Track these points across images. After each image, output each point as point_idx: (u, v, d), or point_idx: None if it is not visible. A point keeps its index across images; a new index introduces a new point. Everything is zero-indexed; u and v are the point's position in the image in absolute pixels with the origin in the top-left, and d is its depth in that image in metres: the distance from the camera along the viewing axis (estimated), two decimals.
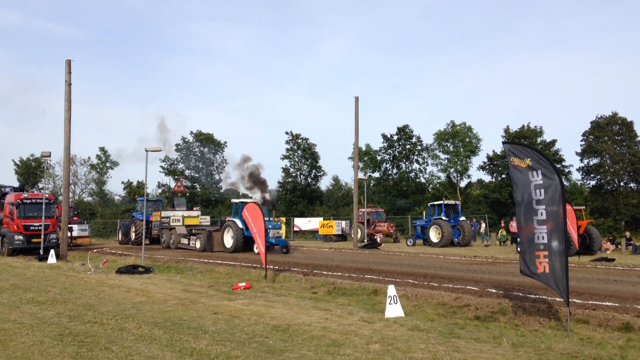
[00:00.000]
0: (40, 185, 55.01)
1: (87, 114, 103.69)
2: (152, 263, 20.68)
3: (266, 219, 26.80)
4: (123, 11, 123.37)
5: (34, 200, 26.93)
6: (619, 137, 45.11)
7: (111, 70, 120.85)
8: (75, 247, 30.84)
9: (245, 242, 25.64)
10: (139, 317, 9.67)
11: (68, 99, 24.03)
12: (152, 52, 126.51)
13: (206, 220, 32.77)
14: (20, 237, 25.81)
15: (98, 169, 60.18)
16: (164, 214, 31.47)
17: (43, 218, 25.21)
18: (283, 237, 29.31)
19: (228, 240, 26.61)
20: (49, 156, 26.18)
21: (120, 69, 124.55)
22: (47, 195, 26.74)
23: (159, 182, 57.01)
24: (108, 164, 60.00)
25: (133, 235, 33.55)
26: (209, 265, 19.68)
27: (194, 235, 28.66)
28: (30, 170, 57.94)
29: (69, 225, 27.68)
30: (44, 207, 25.27)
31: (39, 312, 10.27)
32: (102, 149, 59.57)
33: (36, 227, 25.75)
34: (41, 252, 24.30)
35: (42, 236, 25.04)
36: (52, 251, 22.60)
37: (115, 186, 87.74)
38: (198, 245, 27.91)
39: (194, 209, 35.93)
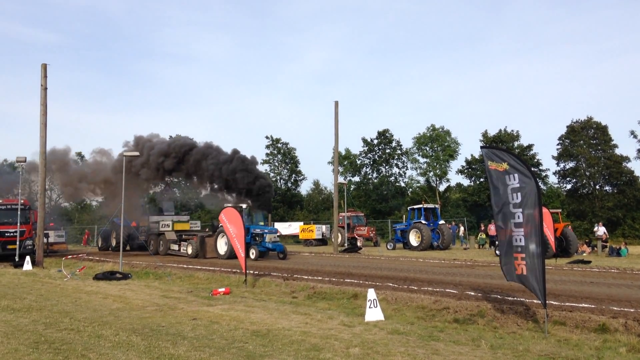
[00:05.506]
0: (16, 191, 54.01)
1: (64, 119, 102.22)
2: (130, 269, 20.43)
3: (261, 223, 26.39)
4: (101, 17, 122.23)
5: (9, 206, 26.42)
6: (594, 141, 45.95)
7: (89, 75, 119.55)
8: (51, 254, 30.32)
9: None
10: (116, 324, 9.54)
11: (44, 103, 23.68)
12: (131, 57, 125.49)
13: (196, 225, 31.38)
14: None
15: None
16: (152, 218, 30.46)
17: (18, 224, 24.77)
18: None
19: (222, 246, 25.54)
20: (25, 161, 25.70)
21: (99, 74, 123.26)
22: (22, 201, 26.26)
23: None
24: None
25: (114, 241, 32.83)
26: (188, 270, 19.50)
27: (185, 241, 27.47)
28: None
29: (45, 232, 27.19)
30: (19, 213, 24.84)
31: (14, 320, 10.08)
32: (78, 154, 58.66)
33: (11, 234, 25.28)
34: (17, 258, 23.89)
35: (18, 243, 24.60)
36: (27, 258, 22.29)
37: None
38: (190, 251, 26.66)
39: (181, 213, 34.78)
